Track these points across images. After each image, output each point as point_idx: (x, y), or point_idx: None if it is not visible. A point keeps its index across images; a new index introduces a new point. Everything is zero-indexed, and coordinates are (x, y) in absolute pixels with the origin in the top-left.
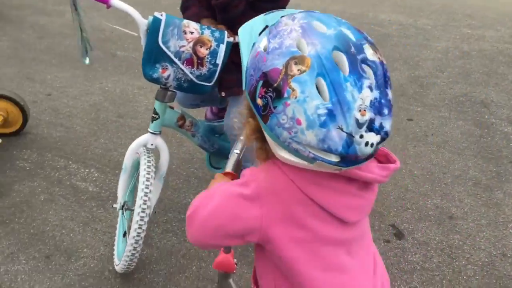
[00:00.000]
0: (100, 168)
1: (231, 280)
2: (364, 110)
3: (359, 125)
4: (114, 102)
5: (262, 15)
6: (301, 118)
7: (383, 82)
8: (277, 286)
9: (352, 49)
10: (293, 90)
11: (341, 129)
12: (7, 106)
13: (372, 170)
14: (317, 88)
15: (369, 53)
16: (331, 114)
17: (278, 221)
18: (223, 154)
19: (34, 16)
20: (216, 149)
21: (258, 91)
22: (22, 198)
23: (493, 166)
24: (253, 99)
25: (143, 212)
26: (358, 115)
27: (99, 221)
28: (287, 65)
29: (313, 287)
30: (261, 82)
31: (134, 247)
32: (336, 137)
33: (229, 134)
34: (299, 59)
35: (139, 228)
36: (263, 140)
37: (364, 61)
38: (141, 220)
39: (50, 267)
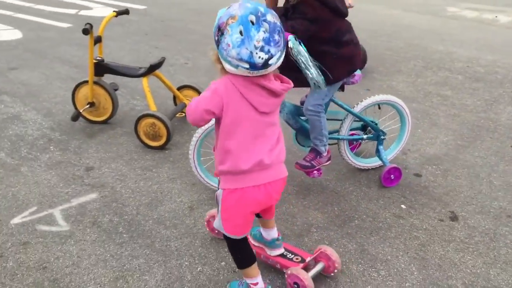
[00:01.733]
0: None
1: None
2: (258, 41)
3: (256, 48)
4: None
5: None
6: (230, 43)
7: (273, 31)
8: (221, 148)
9: (259, 14)
10: (228, 30)
11: (247, 49)
12: (193, 94)
13: (275, 84)
14: (239, 30)
15: (268, 17)
16: (242, 42)
17: (229, 103)
18: (305, 134)
19: None
20: (298, 128)
21: (215, 35)
22: None
23: None
24: (214, 40)
25: None
26: (255, 43)
27: None
28: (227, 20)
29: (246, 135)
30: (217, 31)
31: None
32: (244, 53)
33: (307, 116)
34: (232, 17)
35: None
36: (221, 63)
37: (264, 20)
38: None
39: None
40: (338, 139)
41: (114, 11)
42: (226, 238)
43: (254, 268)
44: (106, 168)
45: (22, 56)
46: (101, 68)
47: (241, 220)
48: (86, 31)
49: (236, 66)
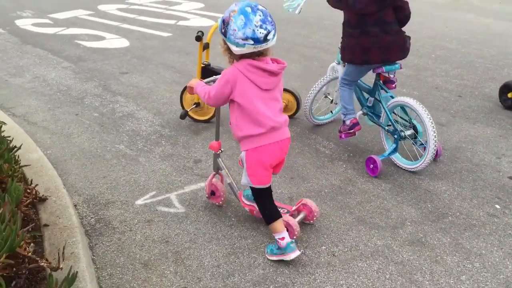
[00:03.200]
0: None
1: (219, 160)
2: (257, 22)
3: (256, 27)
4: None
5: None
6: (235, 28)
7: (266, 15)
8: (237, 120)
9: (252, 5)
10: (232, 20)
11: (249, 28)
12: (289, 97)
13: (272, 66)
14: (240, 18)
15: (260, 7)
16: (245, 24)
17: (238, 86)
18: (375, 111)
19: (320, 53)
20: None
21: (221, 29)
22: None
23: None
24: (222, 33)
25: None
26: (255, 23)
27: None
28: (229, 14)
29: (256, 108)
30: (222, 24)
31: None
32: (249, 31)
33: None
34: (233, 11)
35: None
36: (229, 51)
37: (257, 8)
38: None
39: None
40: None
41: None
42: (255, 193)
43: (280, 222)
44: (211, 161)
45: (130, 62)
46: (207, 71)
47: (263, 172)
48: (198, 38)
49: (243, 45)
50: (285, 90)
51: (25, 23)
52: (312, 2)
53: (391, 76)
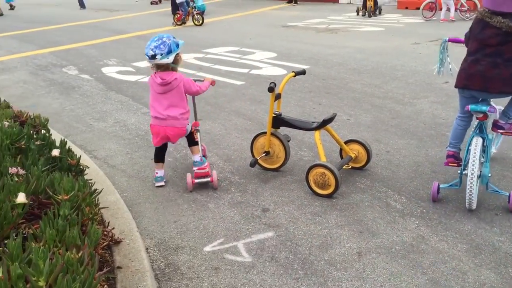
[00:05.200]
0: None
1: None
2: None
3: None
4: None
5: None
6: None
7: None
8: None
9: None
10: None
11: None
12: (359, 148)
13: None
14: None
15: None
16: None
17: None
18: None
19: (392, 104)
20: None
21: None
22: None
23: None
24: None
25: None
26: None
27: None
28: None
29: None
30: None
31: None
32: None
33: None
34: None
35: None
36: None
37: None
38: None
39: None
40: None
41: (293, 71)
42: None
43: (159, 164)
44: (280, 210)
45: (204, 108)
46: (278, 121)
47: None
48: (271, 89)
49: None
50: (355, 141)
51: (110, 71)
52: (383, 52)
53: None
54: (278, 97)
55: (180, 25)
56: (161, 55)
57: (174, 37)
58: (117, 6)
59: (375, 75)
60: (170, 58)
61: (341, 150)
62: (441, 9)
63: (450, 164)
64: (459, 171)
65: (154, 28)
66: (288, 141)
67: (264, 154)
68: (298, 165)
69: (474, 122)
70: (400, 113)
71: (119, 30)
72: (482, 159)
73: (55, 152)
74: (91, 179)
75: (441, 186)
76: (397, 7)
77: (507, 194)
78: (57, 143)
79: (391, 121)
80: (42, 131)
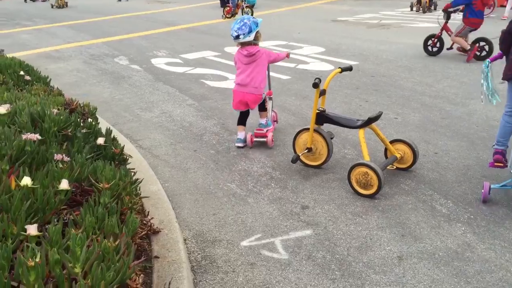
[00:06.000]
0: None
1: None
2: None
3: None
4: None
5: None
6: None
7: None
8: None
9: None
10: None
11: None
12: (405, 149)
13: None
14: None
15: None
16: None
17: None
18: None
19: (443, 103)
20: None
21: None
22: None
23: None
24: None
25: None
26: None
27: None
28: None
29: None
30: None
31: None
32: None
33: None
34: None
35: None
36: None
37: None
38: None
39: None
40: None
41: (339, 67)
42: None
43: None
44: (319, 208)
45: None
46: (322, 118)
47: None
48: (315, 85)
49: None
50: (401, 141)
51: (159, 62)
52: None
53: None
54: (322, 93)
55: (230, 17)
56: (243, 35)
57: (253, 17)
58: None
59: (426, 73)
60: (252, 36)
61: (386, 149)
62: (500, 5)
63: (496, 164)
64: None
65: (205, 21)
66: (332, 138)
67: (306, 151)
68: (341, 163)
69: None
70: (451, 114)
71: (169, 22)
72: None
73: (100, 141)
74: (133, 168)
75: (492, 186)
76: None
77: None
78: (104, 132)
79: (441, 121)
80: (89, 119)
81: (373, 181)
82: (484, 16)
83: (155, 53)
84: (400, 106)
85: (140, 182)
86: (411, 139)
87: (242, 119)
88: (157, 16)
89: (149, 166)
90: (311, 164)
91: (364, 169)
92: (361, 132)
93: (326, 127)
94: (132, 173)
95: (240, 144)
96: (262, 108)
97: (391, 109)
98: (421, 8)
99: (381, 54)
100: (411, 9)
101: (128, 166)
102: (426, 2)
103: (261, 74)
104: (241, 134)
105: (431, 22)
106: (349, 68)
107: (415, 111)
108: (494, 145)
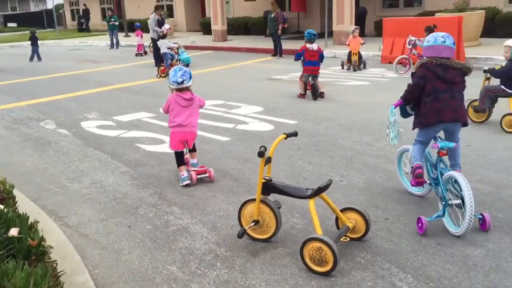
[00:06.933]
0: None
1: None
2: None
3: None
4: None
5: None
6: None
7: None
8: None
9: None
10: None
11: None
12: (356, 217)
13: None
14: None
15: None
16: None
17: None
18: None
19: (385, 163)
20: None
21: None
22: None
23: None
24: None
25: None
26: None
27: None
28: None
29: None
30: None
31: None
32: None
33: None
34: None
35: None
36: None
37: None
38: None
39: None
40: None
41: (284, 133)
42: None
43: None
44: None
45: None
46: (269, 187)
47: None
48: (261, 154)
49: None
50: (352, 209)
51: (90, 125)
52: (371, 107)
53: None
54: (268, 161)
55: (165, 77)
56: (186, 80)
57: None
58: (101, 58)
59: (364, 132)
60: (191, 82)
61: (337, 218)
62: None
63: (417, 179)
64: (442, 203)
65: (139, 80)
66: (279, 207)
67: (253, 224)
68: (290, 234)
69: None
70: (394, 174)
71: (102, 82)
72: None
73: (13, 232)
74: (55, 260)
75: (427, 219)
76: (380, 62)
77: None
78: (25, 208)
79: (386, 182)
80: (1, 205)
81: (328, 257)
82: (400, 74)
83: (85, 116)
84: (343, 167)
85: (63, 274)
86: (360, 205)
87: (181, 159)
88: (89, 76)
89: (75, 251)
90: (259, 237)
91: (317, 244)
92: (311, 202)
93: (273, 196)
94: (52, 267)
95: (188, 182)
96: (193, 148)
97: (335, 171)
98: (351, 67)
99: (319, 113)
100: (342, 68)
101: (50, 257)
102: (356, 60)
103: (196, 116)
104: (185, 173)
105: (362, 80)
106: (294, 134)
107: (359, 173)
108: (412, 164)
